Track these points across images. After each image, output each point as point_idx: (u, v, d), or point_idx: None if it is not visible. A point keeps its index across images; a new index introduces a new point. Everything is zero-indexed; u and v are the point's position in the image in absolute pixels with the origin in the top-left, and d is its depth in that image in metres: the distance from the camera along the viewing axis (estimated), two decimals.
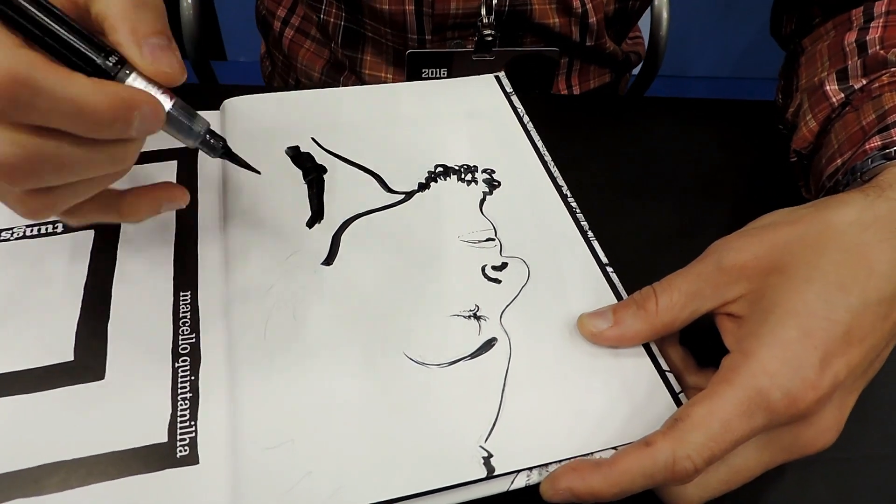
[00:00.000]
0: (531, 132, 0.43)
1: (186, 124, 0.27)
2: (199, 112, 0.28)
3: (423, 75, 0.55)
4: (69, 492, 0.27)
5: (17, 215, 0.26)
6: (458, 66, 0.54)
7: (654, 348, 0.32)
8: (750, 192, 0.46)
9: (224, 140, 0.30)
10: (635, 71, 0.78)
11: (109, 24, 0.25)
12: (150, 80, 0.26)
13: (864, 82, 0.41)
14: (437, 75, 0.55)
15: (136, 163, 0.35)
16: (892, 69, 0.40)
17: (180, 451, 0.28)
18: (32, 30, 0.24)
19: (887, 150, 0.35)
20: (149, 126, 0.25)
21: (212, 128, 0.29)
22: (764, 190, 0.47)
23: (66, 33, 0.24)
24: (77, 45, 0.24)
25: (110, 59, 0.25)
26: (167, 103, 0.26)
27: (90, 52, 0.24)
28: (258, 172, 0.33)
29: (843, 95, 0.42)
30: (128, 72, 0.25)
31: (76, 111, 0.23)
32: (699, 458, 0.25)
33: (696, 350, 0.33)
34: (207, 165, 0.39)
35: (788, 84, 0.50)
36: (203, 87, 0.69)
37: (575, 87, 0.65)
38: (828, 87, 0.42)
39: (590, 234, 0.37)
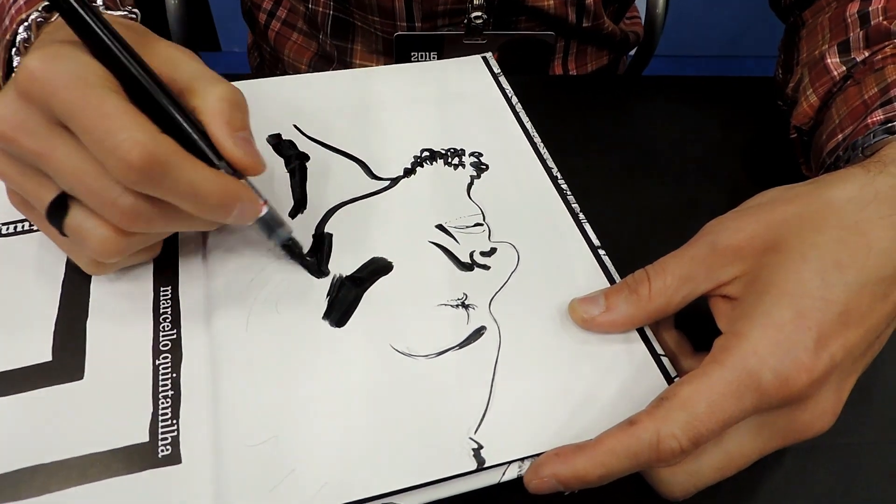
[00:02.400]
0: (520, 114, 0.42)
1: (274, 229, 0.32)
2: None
3: (412, 59, 0.54)
4: (49, 496, 0.26)
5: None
6: (448, 50, 0.53)
7: (649, 332, 0.31)
8: (748, 171, 0.45)
9: (301, 247, 0.33)
10: (632, 52, 0.76)
11: (207, 118, 0.28)
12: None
13: (867, 54, 0.40)
14: (427, 59, 0.53)
15: None
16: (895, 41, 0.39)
17: (162, 450, 0.28)
18: (166, 122, 0.27)
19: (890, 125, 0.33)
20: (244, 218, 0.29)
21: (292, 235, 0.33)
22: (762, 168, 0.46)
23: (189, 130, 0.28)
24: (199, 144, 0.28)
25: (222, 161, 0.29)
26: (263, 209, 0.31)
27: (209, 153, 0.28)
28: (321, 274, 0.33)
29: (844, 69, 0.40)
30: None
31: (193, 195, 0.27)
32: (684, 437, 0.24)
33: (691, 334, 0.32)
34: None
35: (788, 58, 0.49)
36: None
37: (572, 71, 0.63)
38: (829, 60, 0.41)
39: (581, 216, 0.36)
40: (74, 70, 0.26)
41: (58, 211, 0.28)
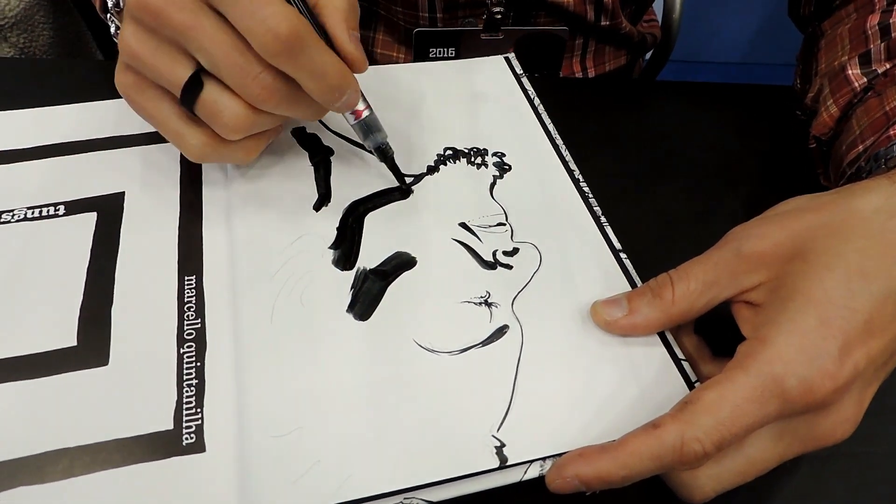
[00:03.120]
0: (542, 115, 0.42)
1: (375, 128, 0.35)
2: None
3: (430, 54, 0.54)
4: (73, 479, 0.27)
5: (219, 132, 0.32)
6: (466, 45, 0.53)
7: (669, 336, 0.31)
8: (766, 179, 0.46)
9: (393, 152, 0.36)
10: (647, 55, 0.77)
11: (328, 12, 0.32)
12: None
13: (888, 66, 0.40)
14: (445, 55, 0.54)
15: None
16: None
17: (186, 438, 0.28)
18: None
19: None
20: (347, 105, 0.33)
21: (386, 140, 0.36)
22: (780, 176, 0.46)
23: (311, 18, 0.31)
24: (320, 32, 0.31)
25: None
26: (366, 111, 0.35)
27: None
28: (407, 187, 0.37)
29: (865, 80, 0.41)
30: None
31: (320, 73, 0.30)
32: (708, 441, 0.25)
33: (710, 339, 0.32)
34: None
35: (807, 68, 0.49)
36: None
37: (590, 70, 0.63)
38: (850, 72, 0.41)
39: (602, 219, 0.36)
40: None
41: (193, 88, 0.30)
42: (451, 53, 0.54)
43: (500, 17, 0.52)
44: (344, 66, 0.31)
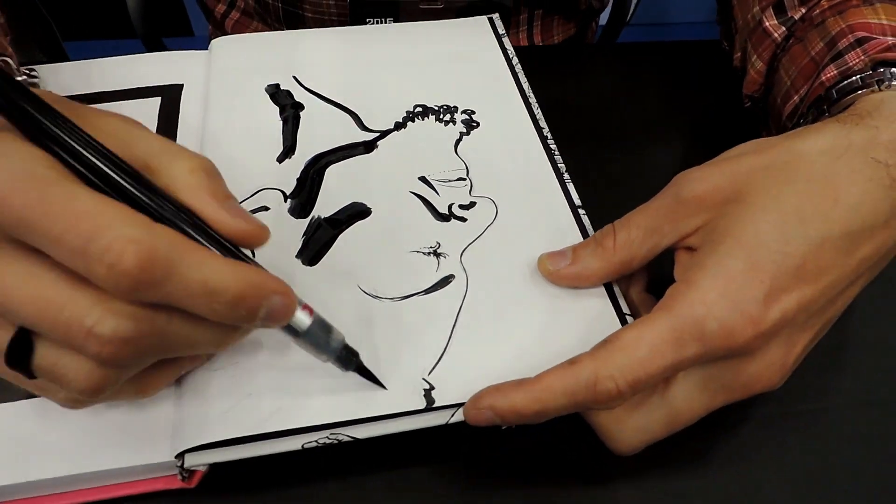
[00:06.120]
0: (519, 75, 0.41)
1: (323, 338, 0.25)
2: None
3: (367, 24, 0.52)
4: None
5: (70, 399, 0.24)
6: (404, 16, 0.52)
7: (617, 291, 0.31)
8: (729, 131, 0.44)
9: (357, 354, 0.27)
10: (603, 21, 0.74)
11: (185, 196, 0.23)
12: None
13: (804, 11, 0.39)
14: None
15: (116, 100, 0.36)
16: None
17: None
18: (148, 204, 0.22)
19: (849, 80, 0.33)
20: (276, 319, 0.23)
21: (345, 340, 0.27)
22: (743, 127, 0.44)
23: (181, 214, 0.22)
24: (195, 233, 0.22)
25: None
26: (306, 319, 0.25)
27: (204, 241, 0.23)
28: (384, 388, 0.28)
29: (784, 29, 0.40)
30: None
31: (206, 293, 0.21)
32: (622, 379, 0.24)
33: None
34: (188, 107, 0.39)
35: (727, 29, 0.47)
36: None
37: (538, 44, 0.62)
38: (767, 24, 0.40)
39: (565, 175, 0.36)
40: (19, 165, 0.20)
41: (20, 352, 0.22)
42: (390, 23, 0.52)
43: None
44: (245, 270, 0.22)
